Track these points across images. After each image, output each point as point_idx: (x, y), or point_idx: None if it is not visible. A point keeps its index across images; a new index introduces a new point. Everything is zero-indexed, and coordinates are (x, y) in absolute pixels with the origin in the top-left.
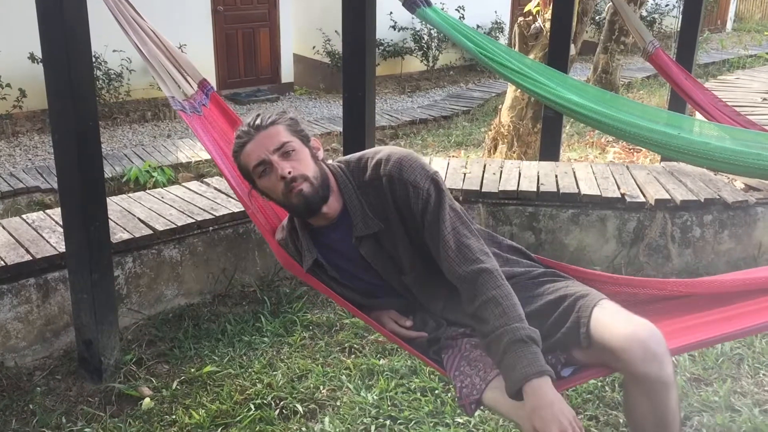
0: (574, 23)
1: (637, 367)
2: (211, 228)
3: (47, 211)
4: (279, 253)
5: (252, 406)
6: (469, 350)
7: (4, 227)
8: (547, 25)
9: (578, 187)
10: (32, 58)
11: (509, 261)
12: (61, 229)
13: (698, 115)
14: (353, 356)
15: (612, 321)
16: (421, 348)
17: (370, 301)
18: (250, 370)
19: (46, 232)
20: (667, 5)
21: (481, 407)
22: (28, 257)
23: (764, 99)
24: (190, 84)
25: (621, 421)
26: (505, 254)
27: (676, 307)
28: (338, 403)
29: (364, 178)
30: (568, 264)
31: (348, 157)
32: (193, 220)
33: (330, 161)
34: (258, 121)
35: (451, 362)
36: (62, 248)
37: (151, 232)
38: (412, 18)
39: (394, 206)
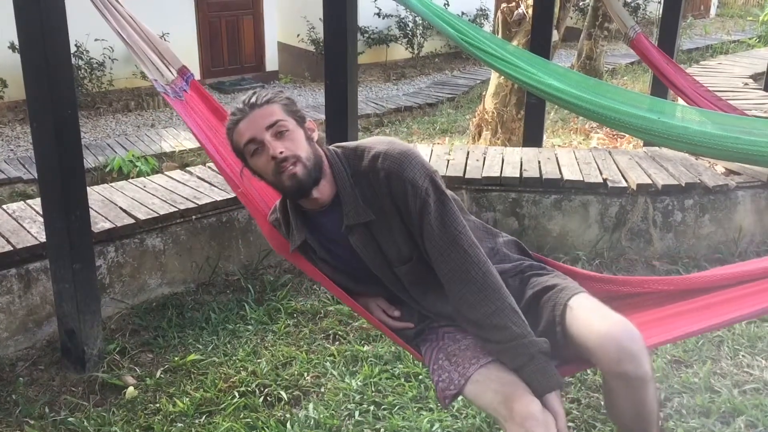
0: (556, 9)
1: (613, 366)
2: (194, 217)
3: (28, 201)
4: (270, 234)
5: (236, 394)
6: (448, 343)
7: None
8: (530, 11)
9: (561, 173)
10: (12, 47)
11: (499, 253)
12: (42, 219)
13: (681, 101)
14: (337, 343)
15: (587, 318)
16: (406, 338)
17: (359, 286)
18: (234, 358)
19: (26, 222)
20: None
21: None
22: (8, 247)
23: (746, 84)
24: (170, 70)
25: (602, 403)
26: (501, 249)
27: (656, 298)
28: (322, 390)
29: (360, 167)
30: (561, 264)
31: (345, 143)
32: (176, 209)
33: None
34: (253, 99)
35: (429, 354)
36: (43, 238)
37: (133, 221)
38: (397, 5)
39: (392, 201)
